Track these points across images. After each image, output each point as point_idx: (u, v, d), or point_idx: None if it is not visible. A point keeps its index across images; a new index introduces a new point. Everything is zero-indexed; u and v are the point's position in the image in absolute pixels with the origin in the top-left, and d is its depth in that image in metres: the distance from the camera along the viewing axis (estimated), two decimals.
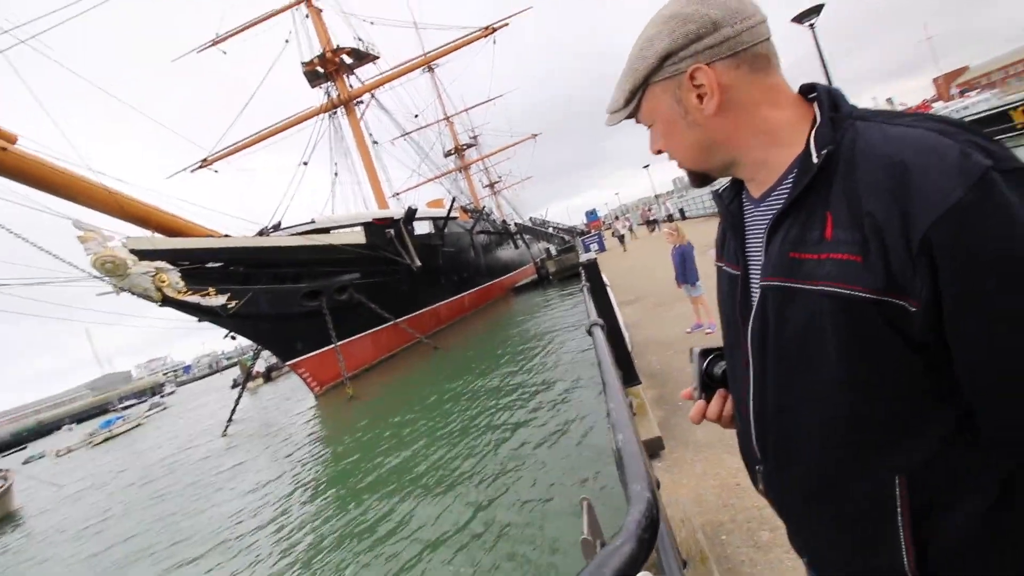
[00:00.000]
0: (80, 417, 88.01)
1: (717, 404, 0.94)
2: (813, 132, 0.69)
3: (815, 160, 0.66)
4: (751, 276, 0.80)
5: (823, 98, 0.71)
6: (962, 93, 51.32)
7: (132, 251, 13.27)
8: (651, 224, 28.43)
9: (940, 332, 0.57)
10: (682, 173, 0.87)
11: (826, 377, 0.66)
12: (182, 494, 11.50)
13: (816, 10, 10.97)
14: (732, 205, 0.86)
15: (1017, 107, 15.83)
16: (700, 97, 0.72)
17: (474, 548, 5.12)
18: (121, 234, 13.41)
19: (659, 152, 0.84)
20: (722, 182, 0.88)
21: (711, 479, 3.06)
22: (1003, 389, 0.56)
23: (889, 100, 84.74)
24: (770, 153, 0.74)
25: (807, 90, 0.76)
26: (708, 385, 0.95)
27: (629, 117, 0.83)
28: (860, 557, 0.71)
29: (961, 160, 0.54)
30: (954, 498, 0.63)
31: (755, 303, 0.77)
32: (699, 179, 0.84)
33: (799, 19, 11.21)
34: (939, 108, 37.33)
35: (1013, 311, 0.53)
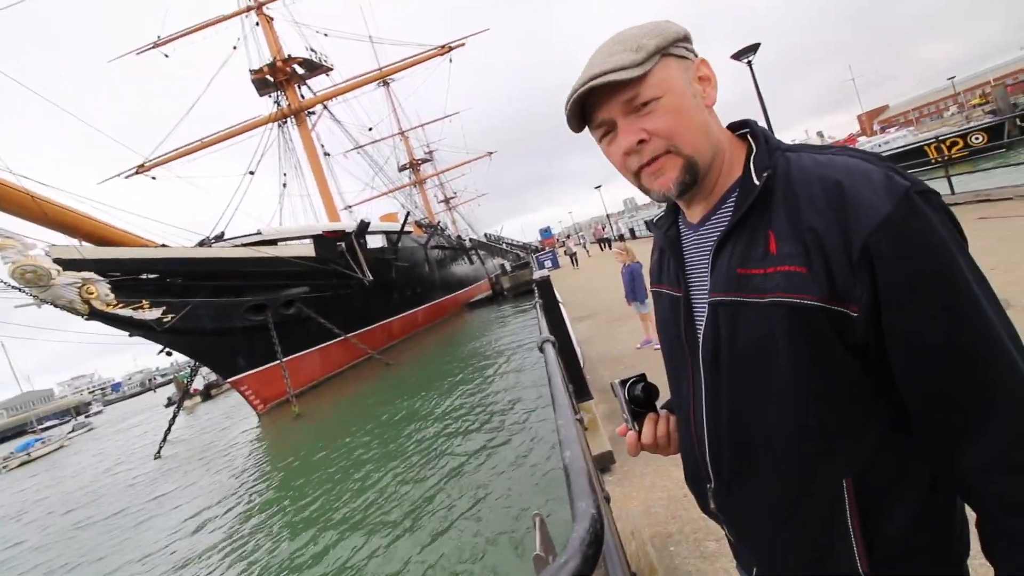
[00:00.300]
0: None
1: (650, 430, 0.93)
2: (752, 158, 0.74)
3: (756, 182, 0.71)
4: (692, 296, 0.82)
5: (757, 131, 0.78)
6: (883, 129, 56.01)
7: (56, 260, 12.31)
8: (603, 243, 29.20)
9: (878, 335, 0.63)
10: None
11: (779, 387, 0.69)
12: (107, 523, 10.59)
13: (753, 48, 11.71)
14: (670, 231, 0.89)
15: (931, 143, 17.47)
16: (702, 87, 0.76)
17: (428, 567, 4.97)
18: (45, 242, 12.45)
19: (641, 142, 0.73)
20: (658, 212, 0.93)
21: (660, 491, 3.12)
22: (934, 373, 0.61)
23: (819, 133, 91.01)
24: (721, 172, 0.78)
25: (736, 127, 0.82)
26: (637, 412, 0.94)
27: (634, 80, 0.71)
28: (816, 563, 0.73)
29: (887, 180, 0.63)
30: (895, 493, 0.68)
31: (703, 321, 0.79)
32: (686, 183, 0.75)
33: (737, 56, 11.92)
34: (864, 142, 40.46)
35: (944, 309, 0.60)
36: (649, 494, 3.12)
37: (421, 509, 6.31)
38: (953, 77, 70.11)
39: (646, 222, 0.96)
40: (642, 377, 0.97)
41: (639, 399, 0.95)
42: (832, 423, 0.68)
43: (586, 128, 0.81)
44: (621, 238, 26.44)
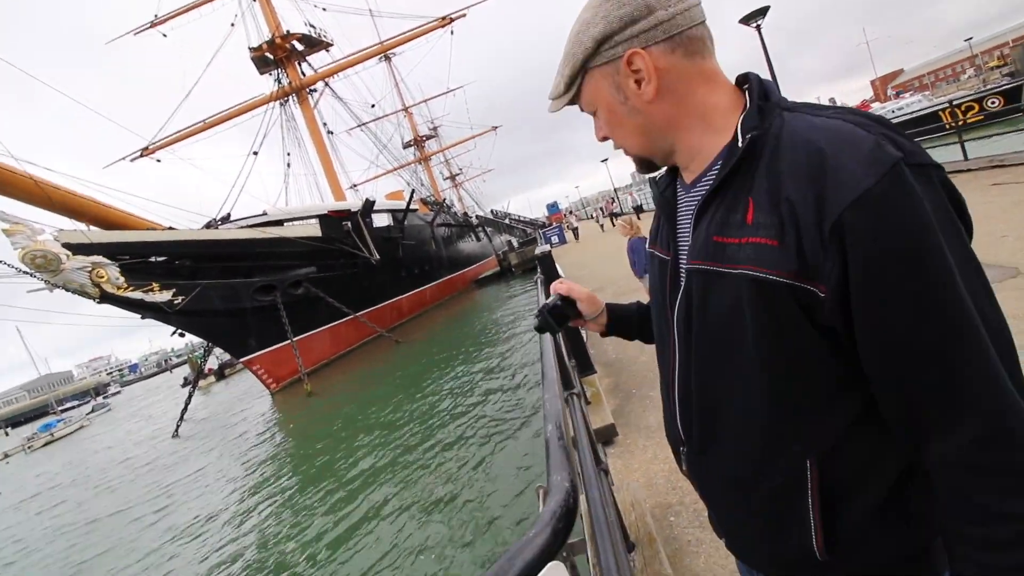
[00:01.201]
0: (16, 421, 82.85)
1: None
2: (741, 118, 0.70)
3: (740, 144, 0.67)
4: (680, 260, 0.81)
5: (754, 87, 0.72)
6: (897, 94, 54.41)
7: (65, 245, 12.44)
8: (613, 217, 28.96)
9: (846, 318, 0.60)
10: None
11: (745, 359, 0.68)
12: (134, 499, 10.97)
13: (762, 12, 11.31)
14: (667, 192, 0.86)
15: (945, 108, 16.94)
16: (638, 83, 0.71)
17: (434, 535, 5.11)
18: (53, 227, 12.57)
19: (604, 139, 0.83)
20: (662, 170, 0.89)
21: (661, 463, 3.15)
22: (901, 365, 0.58)
23: (832, 100, 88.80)
24: (705, 139, 0.74)
25: (741, 80, 0.76)
26: (559, 319, 1.13)
27: (571, 103, 0.82)
28: (773, 538, 0.74)
29: (874, 150, 0.57)
30: (860, 480, 0.66)
31: (681, 286, 0.78)
32: (645, 165, 0.83)
33: (746, 20, 11.52)
34: (877, 108, 39.36)
35: (913, 296, 0.55)
36: (651, 466, 3.15)
37: (430, 482, 6.45)
38: (971, 38, 67.35)
39: (649, 179, 0.93)
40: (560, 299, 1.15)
41: (557, 316, 1.13)
42: (797, 401, 0.67)
43: None
44: (638, 210, 26.19)
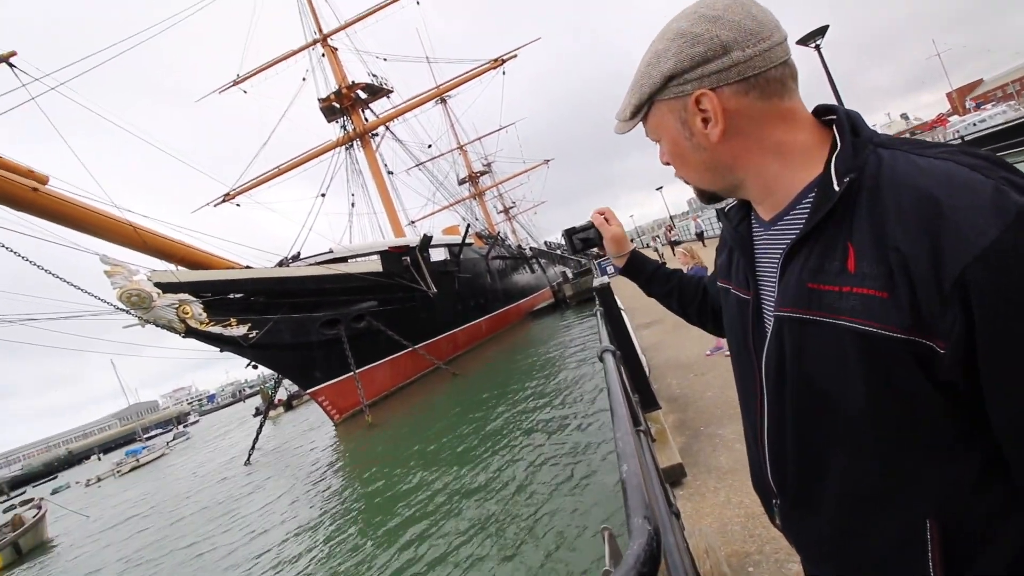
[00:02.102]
0: (108, 447, 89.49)
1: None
2: (834, 157, 0.65)
3: (836, 187, 0.62)
4: (763, 302, 0.77)
5: (843, 121, 0.67)
6: (978, 106, 50.71)
7: (156, 284, 13.65)
8: (674, 245, 28.26)
9: (969, 374, 0.55)
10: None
11: (850, 413, 0.63)
12: (209, 526, 11.51)
13: (821, 32, 10.99)
14: (741, 226, 0.83)
15: None
16: (705, 121, 0.69)
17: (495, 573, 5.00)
18: (146, 268, 13.84)
19: (667, 164, 0.82)
20: (729, 201, 0.86)
21: (735, 508, 2.96)
22: None
23: (904, 116, 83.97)
24: (782, 177, 0.70)
25: (823, 111, 0.73)
26: (582, 243, 1.27)
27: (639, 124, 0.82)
28: None
29: (996, 197, 0.52)
30: (987, 541, 0.60)
31: (769, 332, 0.74)
32: (708, 197, 0.82)
33: (804, 41, 11.24)
34: (955, 122, 36.92)
35: None
36: (724, 510, 2.96)
37: (490, 519, 6.36)
38: None
39: (718, 211, 0.90)
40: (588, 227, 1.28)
41: (580, 241, 1.27)
42: (911, 458, 0.61)
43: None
44: (700, 236, 25.58)
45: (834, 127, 0.68)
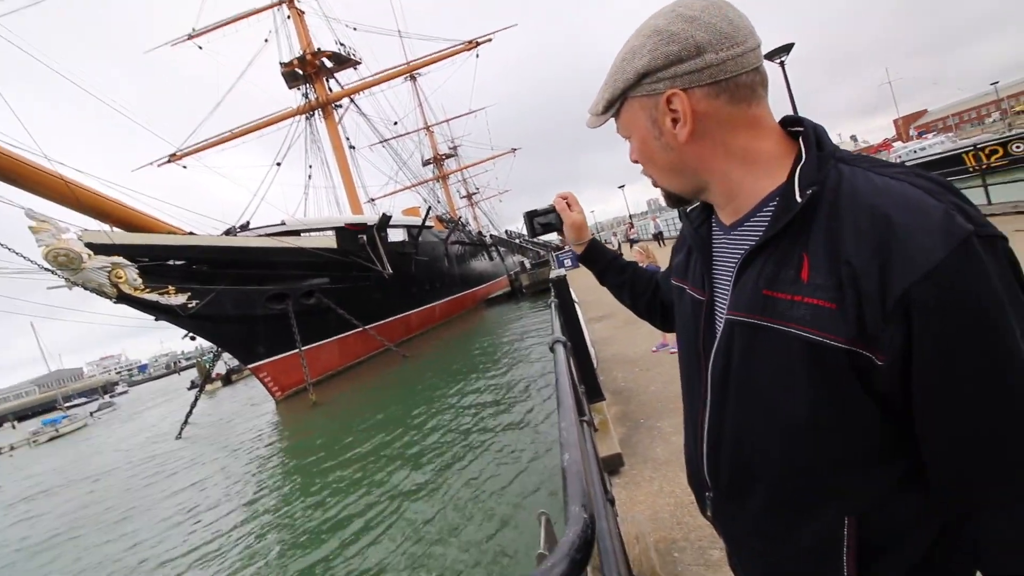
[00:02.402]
0: (24, 414, 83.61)
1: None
2: (799, 169, 0.66)
3: (799, 199, 0.64)
4: (716, 304, 0.79)
5: (810, 134, 0.69)
6: (920, 135, 54.30)
7: (87, 244, 12.74)
8: (632, 243, 28.94)
9: (903, 386, 0.58)
10: (656, 194, 0.86)
11: (789, 417, 0.66)
12: (130, 502, 10.96)
13: (786, 48, 11.46)
14: (701, 228, 0.84)
15: (969, 151, 16.84)
16: (674, 122, 0.70)
17: (431, 555, 5.03)
18: (77, 227, 12.90)
19: (636, 162, 0.82)
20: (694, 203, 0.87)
21: (667, 496, 3.09)
22: (963, 438, 0.57)
23: (853, 137, 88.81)
24: (745, 183, 0.72)
25: (790, 122, 0.74)
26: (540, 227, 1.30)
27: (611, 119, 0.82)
28: None
29: (945, 221, 0.54)
30: (897, 540, 0.65)
31: (719, 334, 0.76)
32: (674, 199, 0.82)
33: (770, 56, 11.67)
34: (899, 147, 39.32)
35: (983, 372, 0.54)
36: (656, 499, 3.09)
37: (427, 502, 6.37)
38: (997, 82, 67.36)
39: (680, 211, 0.90)
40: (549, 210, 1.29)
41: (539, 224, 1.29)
42: (841, 461, 0.65)
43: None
44: (658, 236, 26.22)
45: (800, 139, 0.70)
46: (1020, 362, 0.53)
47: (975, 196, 10.29)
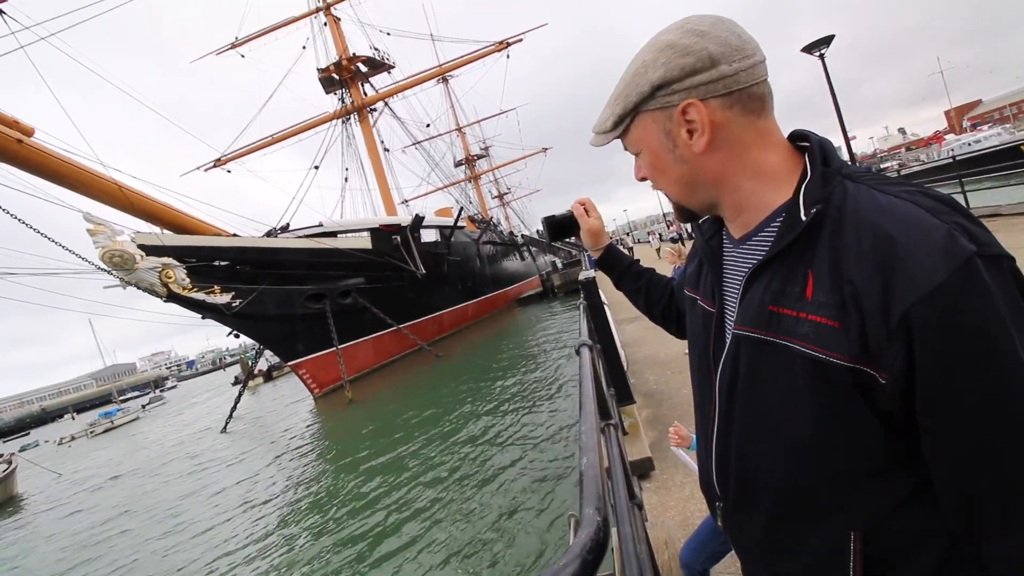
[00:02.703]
0: (82, 406, 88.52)
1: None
2: (804, 186, 0.67)
3: (803, 217, 0.65)
4: (726, 316, 0.80)
5: (815, 150, 0.70)
6: (974, 126, 51.27)
7: (140, 246, 13.45)
8: (674, 242, 27.92)
9: (906, 404, 0.58)
10: None
11: (792, 433, 0.67)
12: (182, 491, 11.51)
13: (826, 41, 10.99)
14: (712, 240, 0.85)
15: None
16: (690, 132, 0.70)
17: (463, 556, 5.10)
18: (131, 229, 13.62)
19: (643, 180, 0.82)
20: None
21: (699, 502, 3.05)
22: (968, 458, 0.57)
23: (901, 130, 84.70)
24: (754, 196, 0.72)
25: (797, 137, 0.75)
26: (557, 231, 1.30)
27: (618, 138, 0.80)
28: None
29: (947, 242, 0.54)
30: (903, 557, 0.65)
31: (727, 346, 0.77)
32: (685, 214, 0.82)
33: (808, 49, 11.23)
34: (951, 140, 37.29)
35: (986, 392, 0.54)
36: (688, 504, 3.05)
37: (462, 502, 6.45)
38: None
39: (692, 223, 0.90)
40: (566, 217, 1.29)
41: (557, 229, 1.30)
42: (846, 476, 0.65)
43: None
44: (678, 239, 25.67)
45: (806, 155, 0.71)
46: (1021, 385, 0.53)
47: None
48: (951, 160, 16.79)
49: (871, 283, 0.57)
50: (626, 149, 0.81)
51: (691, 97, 0.69)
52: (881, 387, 0.59)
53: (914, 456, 0.62)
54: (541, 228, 1.30)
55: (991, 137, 28.96)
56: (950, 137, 43.38)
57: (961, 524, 0.61)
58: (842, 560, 0.66)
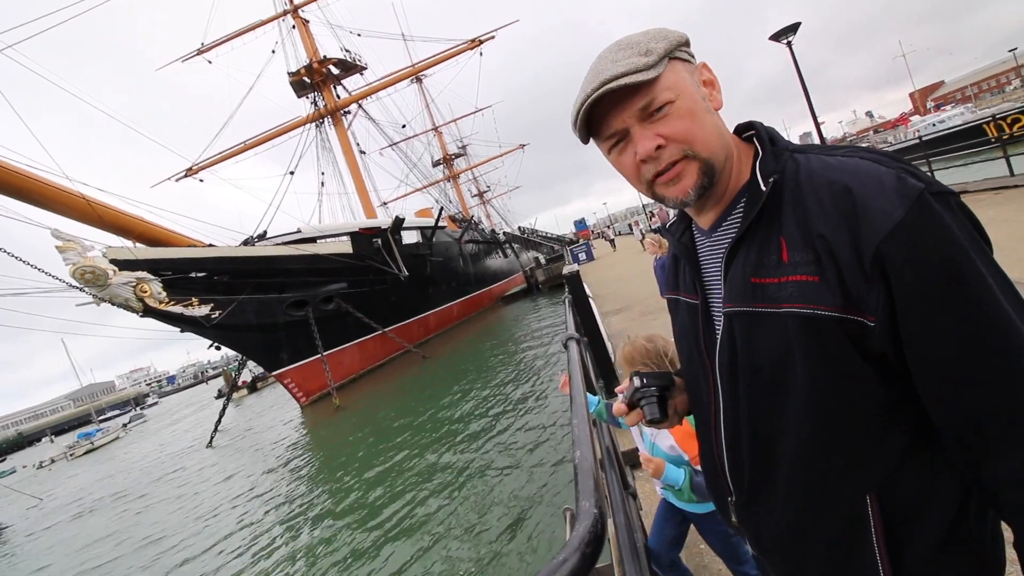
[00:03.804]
0: (61, 428, 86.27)
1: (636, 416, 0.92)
2: (758, 162, 0.72)
3: (763, 188, 0.69)
4: (711, 304, 0.81)
5: (763, 133, 0.76)
6: (937, 107, 52.68)
7: (112, 261, 13.09)
8: (657, 231, 28.22)
9: (896, 344, 0.61)
10: None
11: (797, 398, 0.68)
12: (167, 516, 11.26)
13: (793, 28, 11.18)
14: (683, 237, 0.87)
15: (989, 121, 16.36)
16: (710, 90, 0.75)
17: (460, 554, 5.09)
18: (102, 244, 13.25)
19: (662, 143, 0.70)
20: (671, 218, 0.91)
21: None
22: (958, 383, 0.59)
23: (868, 113, 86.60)
24: (731, 175, 0.75)
25: (742, 129, 0.80)
26: (632, 404, 0.93)
27: (650, 80, 0.68)
28: None
29: (898, 183, 0.60)
30: (920, 512, 0.65)
31: (719, 332, 0.77)
32: (705, 184, 0.72)
33: (776, 37, 11.41)
34: (916, 121, 38.23)
35: (961, 316, 0.57)
36: None
37: (456, 499, 6.43)
38: (1015, 48, 64.86)
39: (656, 229, 0.93)
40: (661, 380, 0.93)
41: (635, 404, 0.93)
42: (852, 436, 0.66)
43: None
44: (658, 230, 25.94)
45: (755, 139, 0.76)
46: (992, 298, 0.57)
47: (997, 167, 9.99)
48: (918, 140, 17.22)
49: (839, 232, 0.61)
50: (658, 95, 0.69)
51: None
52: (871, 331, 0.61)
53: (909, 403, 0.64)
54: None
55: (954, 117, 29.82)
56: (915, 118, 44.52)
57: (963, 456, 0.62)
58: (863, 527, 0.67)
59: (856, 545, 0.68)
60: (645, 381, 0.91)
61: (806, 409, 0.67)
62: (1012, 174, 9.15)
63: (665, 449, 1.79)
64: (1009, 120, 14.97)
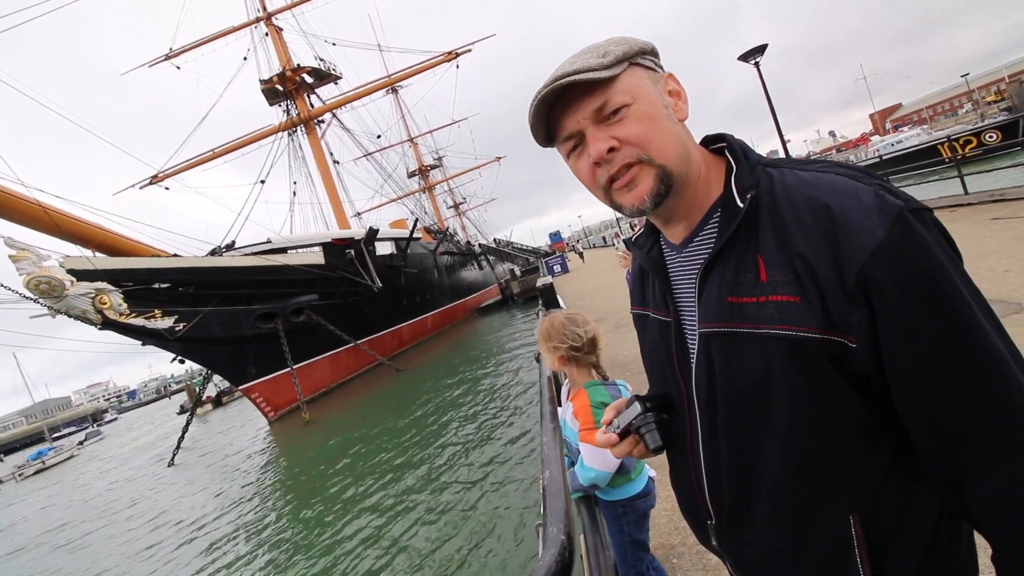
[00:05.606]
0: (11, 447, 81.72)
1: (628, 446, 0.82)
2: (733, 177, 0.70)
3: (740, 204, 0.67)
4: (684, 322, 0.77)
5: (735, 146, 0.73)
6: (896, 128, 55.26)
7: (70, 271, 12.53)
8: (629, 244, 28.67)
9: (879, 365, 0.60)
10: None
11: (778, 420, 0.66)
12: (123, 536, 10.71)
13: (760, 50, 11.59)
14: (652, 251, 0.84)
15: (943, 142, 17.25)
16: (674, 99, 0.73)
17: (431, 571, 4.96)
18: (59, 253, 12.68)
19: (615, 146, 0.68)
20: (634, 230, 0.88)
21: (664, 502, 3.06)
22: (941, 400, 0.58)
23: (832, 133, 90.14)
24: (700, 191, 0.73)
25: (711, 140, 0.77)
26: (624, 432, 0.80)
27: (602, 83, 0.67)
28: None
29: (877, 201, 0.59)
30: (900, 530, 0.65)
31: (694, 352, 0.74)
32: (662, 194, 0.69)
33: (744, 58, 11.80)
34: (876, 141, 39.96)
35: (942, 336, 0.57)
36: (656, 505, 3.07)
37: (428, 517, 6.29)
38: (967, 74, 68.85)
39: (624, 240, 0.91)
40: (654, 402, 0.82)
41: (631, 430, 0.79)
42: (835, 458, 0.65)
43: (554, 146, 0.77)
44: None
45: (727, 152, 0.74)
46: (972, 314, 0.57)
47: (951, 186, 10.48)
48: (878, 159, 17.98)
49: (820, 252, 0.60)
50: (613, 98, 0.68)
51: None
52: (852, 352, 0.60)
53: (890, 424, 0.63)
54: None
55: (912, 137, 31.30)
56: (875, 138, 46.53)
57: (944, 475, 0.61)
58: (847, 549, 0.66)
59: (840, 566, 0.66)
60: (648, 405, 0.78)
61: (789, 432, 0.66)
62: (966, 192, 9.61)
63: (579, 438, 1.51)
64: (961, 141, 15.78)
